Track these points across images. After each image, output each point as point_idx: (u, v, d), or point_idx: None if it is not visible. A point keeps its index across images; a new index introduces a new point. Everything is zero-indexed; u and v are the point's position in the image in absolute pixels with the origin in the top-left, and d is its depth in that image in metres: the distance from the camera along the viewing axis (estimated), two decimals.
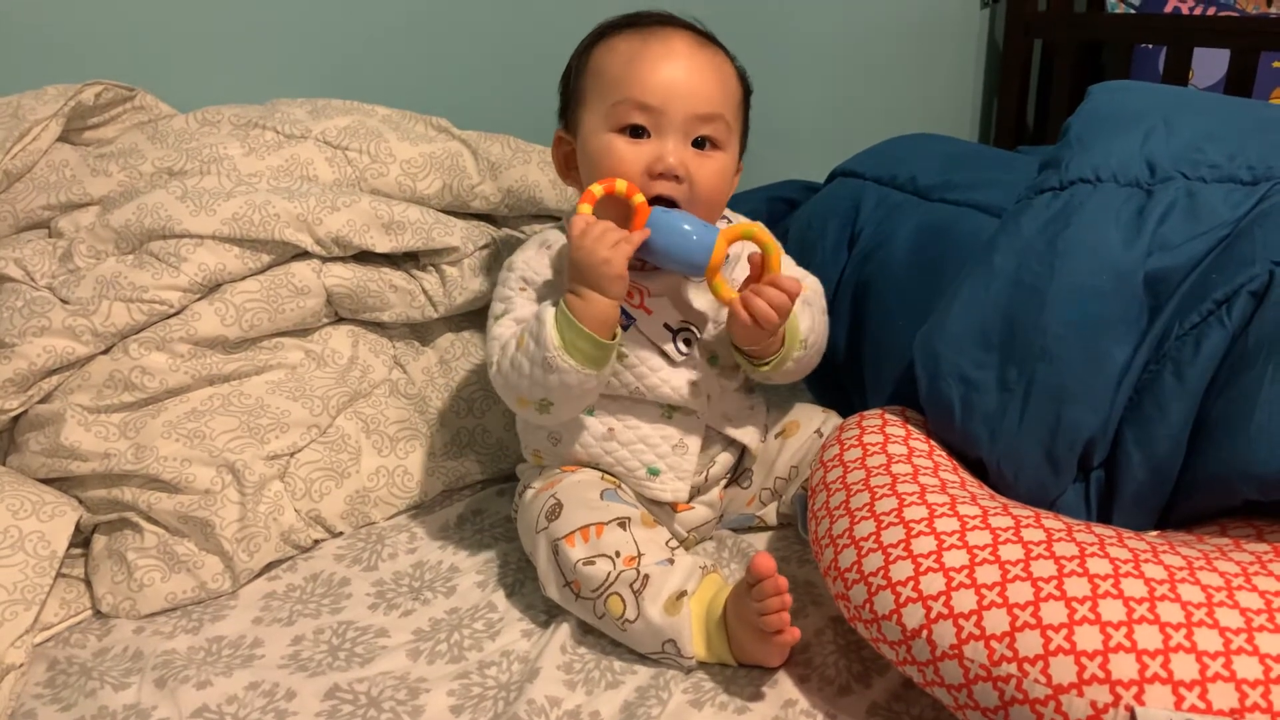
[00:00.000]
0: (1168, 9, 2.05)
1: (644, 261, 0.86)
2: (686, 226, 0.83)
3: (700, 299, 0.92)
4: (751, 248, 0.88)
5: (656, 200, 0.86)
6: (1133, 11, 2.09)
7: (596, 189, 0.84)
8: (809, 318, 0.91)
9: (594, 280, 0.81)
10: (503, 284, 0.91)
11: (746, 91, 0.93)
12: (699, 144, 0.87)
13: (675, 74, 0.86)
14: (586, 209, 0.84)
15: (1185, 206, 0.81)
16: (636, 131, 0.86)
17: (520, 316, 0.88)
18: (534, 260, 0.91)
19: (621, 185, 0.84)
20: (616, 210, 0.85)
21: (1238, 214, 0.80)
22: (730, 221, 0.97)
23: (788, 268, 0.94)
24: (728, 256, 0.86)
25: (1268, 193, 0.81)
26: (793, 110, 1.78)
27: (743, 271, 0.89)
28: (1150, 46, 2.01)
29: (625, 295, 0.83)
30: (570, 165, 0.95)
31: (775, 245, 0.85)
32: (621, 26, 0.91)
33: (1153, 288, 0.79)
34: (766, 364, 0.89)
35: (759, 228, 0.86)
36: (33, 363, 0.91)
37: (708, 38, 0.92)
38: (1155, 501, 0.79)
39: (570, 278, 0.83)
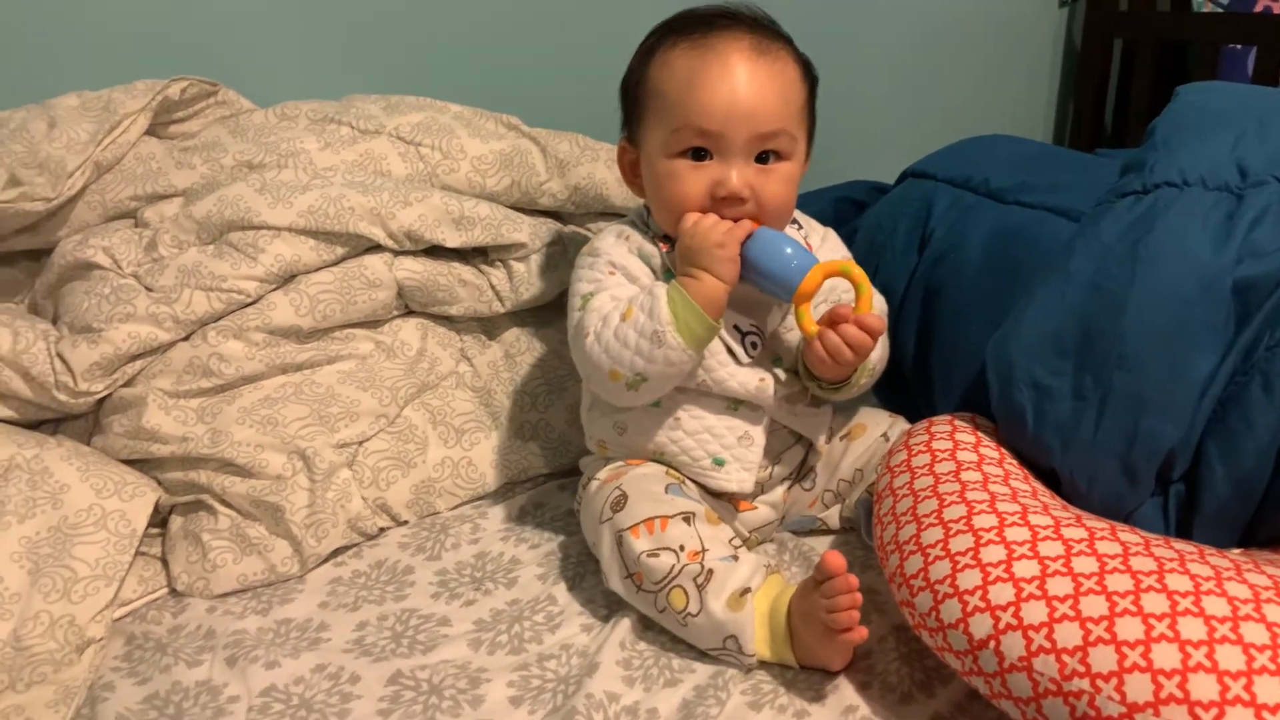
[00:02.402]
0: (1258, 8, 1.97)
1: None
2: (788, 250, 0.84)
3: (768, 305, 0.92)
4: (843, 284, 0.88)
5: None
6: (1221, 10, 2.01)
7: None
8: (880, 347, 0.90)
9: (708, 262, 0.83)
10: (589, 268, 0.91)
11: (812, 83, 0.92)
12: (762, 158, 0.87)
13: (735, 95, 0.84)
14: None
15: (1279, 213, 0.78)
16: (699, 153, 0.86)
17: (619, 295, 0.88)
18: (616, 249, 0.92)
19: None
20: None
21: None
22: (800, 226, 0.97)
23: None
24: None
25: None
26: (864, 110, 1.76)
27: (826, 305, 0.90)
28: (1239, 47, 1.93)
29: (735, 279, 0.84)
30: (636, 173, 0.95)
31: (868, 285, 0.85)
32: (680, 31, 0.89)
33: (1242, 295, 0.77)
34: (832, 388, 0.90)
35: (855, 266, 0.86)
36: (118, 348, 0.94)
37: (769, 32, 0.89)
38: (1239, 518, 0.76)
39: (682, 260, 0.85)
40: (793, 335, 0.92)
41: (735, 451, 0.90)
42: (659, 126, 0.88)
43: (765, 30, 0.89)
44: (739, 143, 0.85)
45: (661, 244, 0.92)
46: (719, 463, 0.90)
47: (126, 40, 1.14)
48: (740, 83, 0.85)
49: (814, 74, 0.92)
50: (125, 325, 0.95)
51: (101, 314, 0.95)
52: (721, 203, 0.86)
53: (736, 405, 0.91)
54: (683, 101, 0.86)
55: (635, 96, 0.92)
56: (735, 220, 0.86)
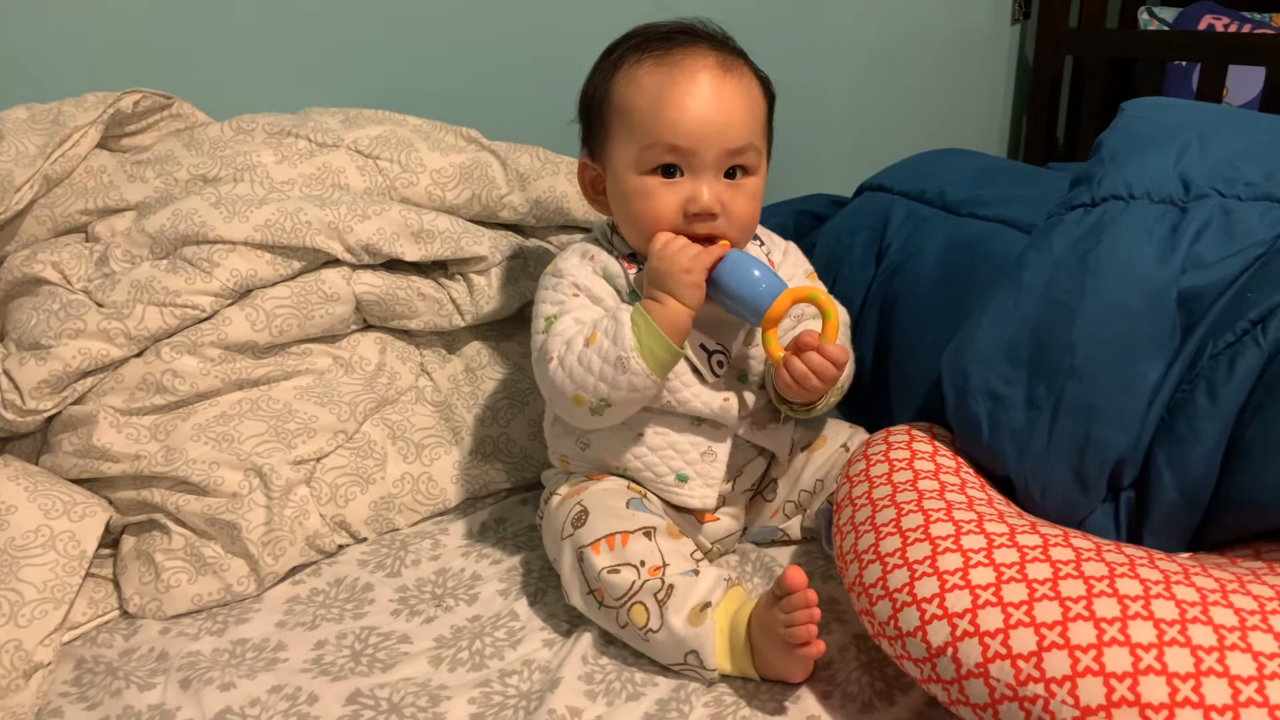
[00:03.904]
0: (1201, 26, 2.03)
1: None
2: (757, 273, 0.84)
3: (735, 324, 0.92)
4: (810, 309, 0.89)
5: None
6: (1166, 28, 2.07)
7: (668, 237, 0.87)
8: (848, 365, 0.91)
9: (674, 287, 0.83)
10: (552, 289, 0.91)
11: (771, 100, 0.92)
12: (730, 173, 0.87)
13: (705, 111, 0.85)
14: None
15: (1220, 224, 0.80)
16: (669, 170, 0.86)
17: (582, 318, 0.88)
18: (580, 270, 0.91)
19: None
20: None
21: (1274, 232, 0.79)
22: (762, 241, 0.97)
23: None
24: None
25: None
26: (822, 124, 1.78)
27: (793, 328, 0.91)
28: (1184, 64, 1.99)
29: (700, 304, 0.85)
30: (598, 190, 0.94)
31: (835, 313, 0.85)
32: (643, 48, 0.88)
33: (1186, 306, 0.78)
34: (802, 408, 0.91)
35: (824, 293, 0.86)
36: (68, 364, 0.93)
37: (731, 49, 0.90)
38: (1187, 523, 0.78)
39: (649, 284, 0.85)
40: (758, 353, 0.93)
41: (698, 468, 0.91)
42: (627, 143, 0.87)
43: (726, 47, 0.89)
44: (710, 159, 0.85)
45: (626, 263, 0.91)
46: (682, 479, 0.91)
47: (78, 52, 1.12)
48: (710, 99, 0.85)
49: (772, 91, 0.93)
50: (75, 341, 0.93)
51: (50, 330, 0.93)
52: (693, 219, 0.86)
53: (700, 422, 0.91)
54: (653, 119, 0.85)
55: (599, 113, 0.91)
56: (706, 237, 0.87)
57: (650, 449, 0.90)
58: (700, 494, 0.91)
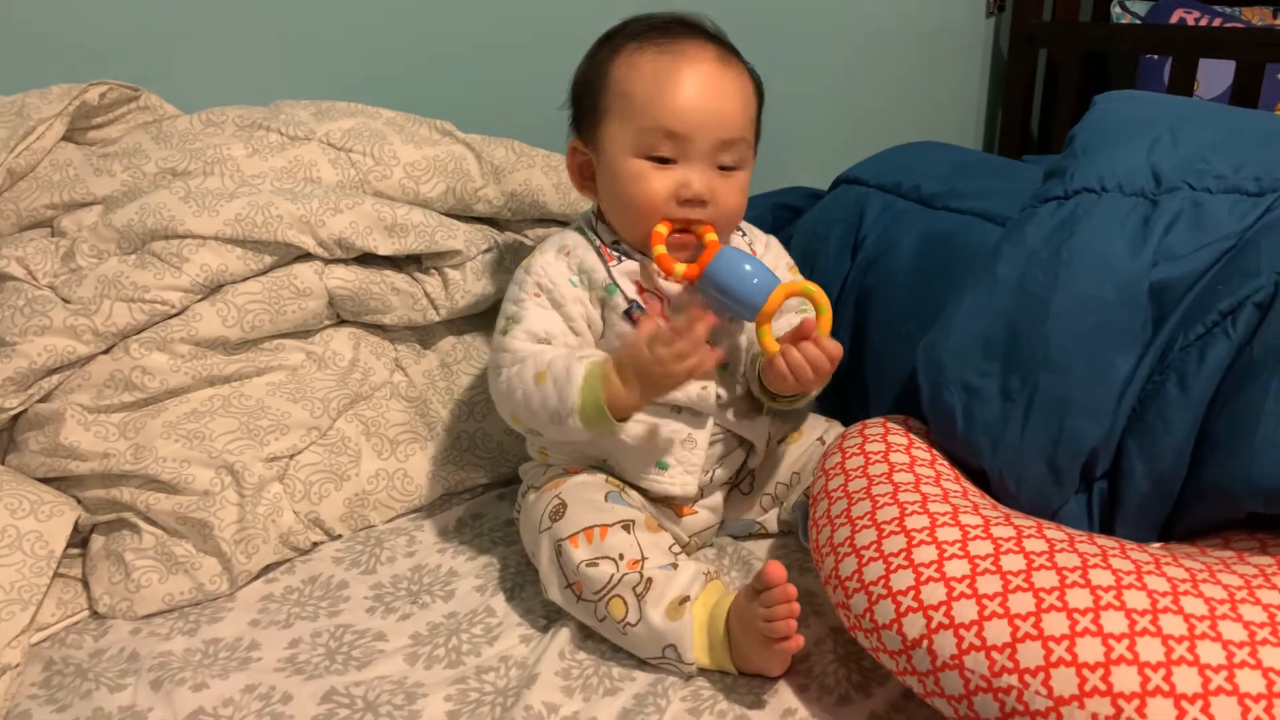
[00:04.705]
0: (1173, 20, 2.05)
1: (670, 273, 0.87)
2: (749, 268, 0.84)
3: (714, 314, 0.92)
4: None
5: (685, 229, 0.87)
6: (1138, 22, 2.09)
7: (662, 229, 0.87)
8: None
9: (651, 387, 0.81)
10: (519, 285, 0.91)
11: (761, 99, 0.93)
12: (721, 164, 0.88)
13: (704, 100, 0.86)
14: (662, 248, 0.86)
15: (1191, 217, 0.81)
16: (663, 160, 0.87)
17: (532, 329, 0.88)
18: (552, 266, 0.91)
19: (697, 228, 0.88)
20: (681, 239, 0.88)
21: (1243, 225, 0.80)
22: (744, 234, 0.97)
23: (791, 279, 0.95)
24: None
25: (1273, 204, 0.81)
26: (798, 117, 1.78)
27: (786, 323, 0.91)
28: (1156, 57, 2.01)
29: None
30: (587, 175, 0.94)
31: (828, 306, 0.86)
32: (643, 36, 0.89)
33: (1158, 298, 0.79)
34: (784, 400, 0.91)
35: (816, 287, 0.86)
36: (33, 361, 0.91)
37: (727, 45, 0.91)
38: (1158, 513, 0.78)
39: (623, 361, 0.81)
40: (736, 343, 0.93)
41: (678, 455, 0.90)
42: (624, 127, 0.87)
43: (723, 44, 0.91)
44: (704, 147, 0.86)
45: (609, 252, 0.91)
46: (663, 466, 0.90)
47: (42, 43, 1.10)
48: (709, 89, 0.86)
49: (762, 90, 0.93)
50: (41, 338, 0.91)
51: (15, 327, 0.91)
52: (684, 205, 0.87)
53: (680, 410, 0.91)
54: (652, 103, 0.86)
55: (595, 97, 0.90)
56: (691, 230, 0.87)
57: (630, 436, 0.90)
58: (681, 480, 0.90)
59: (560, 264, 0.91)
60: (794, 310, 0.93)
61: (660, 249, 0.87)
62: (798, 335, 0.85)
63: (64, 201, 1.01)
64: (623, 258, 0.91)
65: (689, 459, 0.91)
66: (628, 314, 0.89)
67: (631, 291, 0.89)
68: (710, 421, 0.92)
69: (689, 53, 0.87)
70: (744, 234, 0.98)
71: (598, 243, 0.92)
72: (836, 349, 0.85)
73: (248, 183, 1.03)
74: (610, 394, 0.81)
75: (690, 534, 0.94)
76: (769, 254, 0.99)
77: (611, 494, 0.87)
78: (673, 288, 0.90)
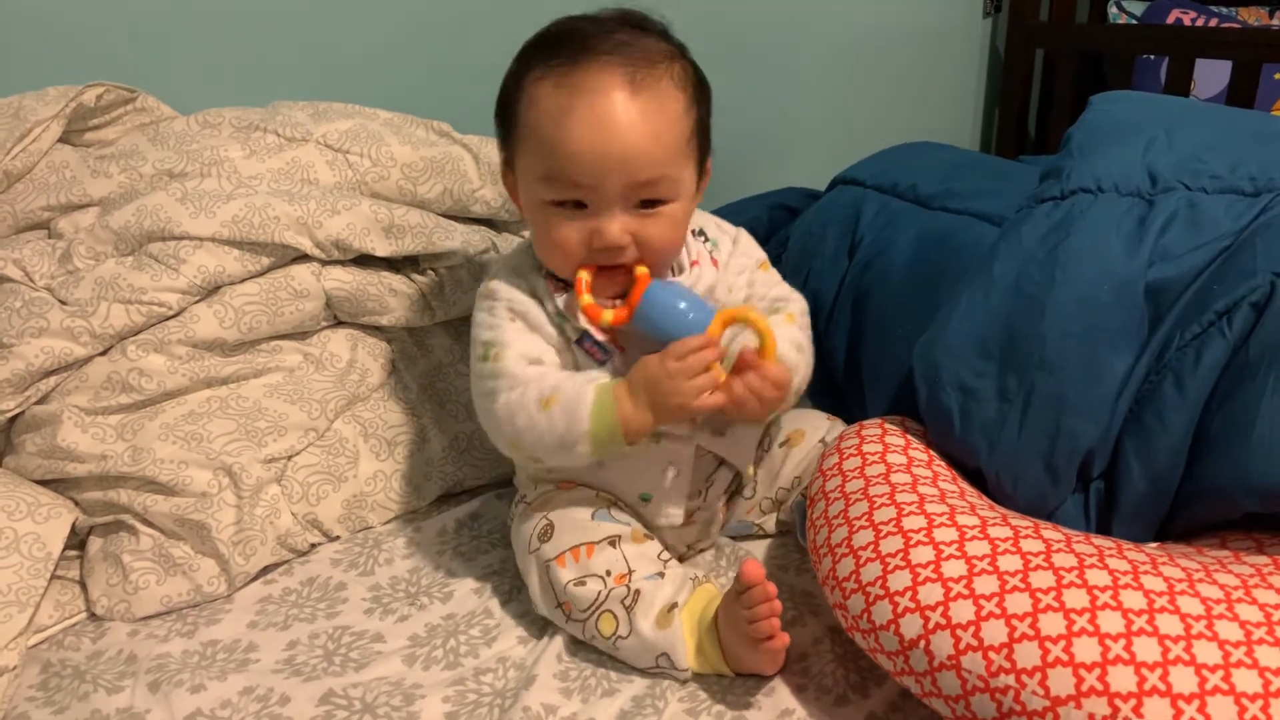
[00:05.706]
0: (1169, 20, 2.05)
1: (597, 322, 0.82)
2: (682, 305, 0.80)
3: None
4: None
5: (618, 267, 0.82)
6: (1134, 22, 2.09)
7: (585, 274, 0.81)
8: (804, 364, 0.89)
9: (665, 411, 0.79)
10: (488, 312, 0.86)
11: (702, 99, 0.84)
12: (643, 203, 0.81)
13: (607, 145, 0.77)
14: (587, 298, 0.81)
15: (1187, 217, 0.81)
16: (576, 203, 0.80)
17: (525, 352, 0.84)
18: (513, 292, 0.86)
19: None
20: (609, 275, 0.82)
21: (1239, 225, 0.80)
22: (706, 237, 0.92)
23: (771, 283, 0.94)
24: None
25: (1269, 204, 0.81)
26: (794, 118, 1.78)
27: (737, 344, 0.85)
28: (1152, 57, 2.01)
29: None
30: (518, 197, 0.87)
31: (770, 333, 0.81)
32: (549, 59, 0.80)
33: (1154, 298, 0.79)
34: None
35: (755, 312, 0.82)
36: (30, 363, 0.91)
37: (647, 52, 0.80)
38: (1155, 513, 0.79)
39: (640, 380, 0.79)
40: None
41: (658, 486, 0.88)
42: (533, 165, 0.81)
43: (641, 52, 0.79)
44: (613, 194, 0.79)
45: (551, 284, 0.86)
46: (645, 498, 0.89)
47: (39, 45, 1.09)
48: (611, 130, 0.77)
49: (705, 87, 0.85)
50: (38, 340, 0.91)
51: (12, 329, 0.91)
52: (600, 253, 0.81)
53: (659, 436, 0.86)
54: (552, 149, 0.78)
55: (510, 121, 0.84)
56: (619, 267, 0.81)
57: (610, 471, 0.88)
58: (665, 512, 0.89)
59: (519, 286, 0.86)
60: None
61: (586, 299, 0.81)
62: (738, 368, 0.81)
63: (61, 203, 1.01)
64: (567, 287, 0.85)
65: (670, 492, 0.88)
66: (580, 344, 0.85)
67: (582, 321, 0.84)
68: (693, 445, 0.89)
69: (589, 83, 0.77)
70: (706, 239, 0.92)
71: (541, 273, 0.87)
72: (782, 373, 0.81)
73: (245, 184, 1.03)
74: (622, 414, 0.78)
75: (686, 544, 0.94)
76: (737, 250, 0.93)
77: (599, 512, 0.86)
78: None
